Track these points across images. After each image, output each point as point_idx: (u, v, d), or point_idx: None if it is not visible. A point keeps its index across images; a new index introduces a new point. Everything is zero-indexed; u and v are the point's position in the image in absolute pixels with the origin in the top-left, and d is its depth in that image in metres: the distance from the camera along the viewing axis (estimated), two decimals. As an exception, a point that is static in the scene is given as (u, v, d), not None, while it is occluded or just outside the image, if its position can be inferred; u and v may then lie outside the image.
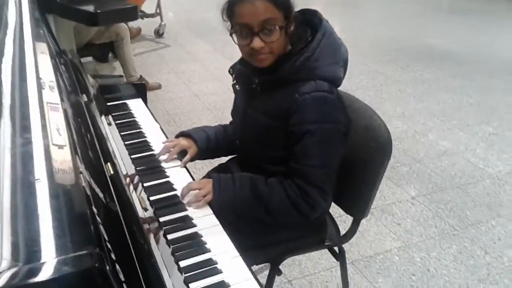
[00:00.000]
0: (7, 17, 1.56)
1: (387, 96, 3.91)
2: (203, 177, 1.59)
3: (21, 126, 0.80)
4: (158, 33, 5.32)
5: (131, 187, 1.10)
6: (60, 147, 0.79)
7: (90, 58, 4.27)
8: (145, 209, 1.05)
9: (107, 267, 0.50)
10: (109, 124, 1.38)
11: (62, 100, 0.98)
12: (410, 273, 1.99)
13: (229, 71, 1.42)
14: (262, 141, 1.31)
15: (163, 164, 1.39)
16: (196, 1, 7.26)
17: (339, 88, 1.29)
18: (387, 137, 1.40)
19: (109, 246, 0.57)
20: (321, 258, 2.05)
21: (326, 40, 1.22)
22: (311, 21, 1.27)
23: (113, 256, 0.57)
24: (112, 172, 0.94)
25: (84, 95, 1.34)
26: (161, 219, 1.13)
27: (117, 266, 0.56)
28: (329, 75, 1.23)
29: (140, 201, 1.03)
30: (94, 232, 0.55)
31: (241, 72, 1.36)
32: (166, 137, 1.57)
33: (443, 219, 2.35)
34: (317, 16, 1.27)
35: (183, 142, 1.44)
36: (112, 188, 0.89)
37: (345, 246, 1.53)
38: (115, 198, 0.86)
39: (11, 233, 0.53)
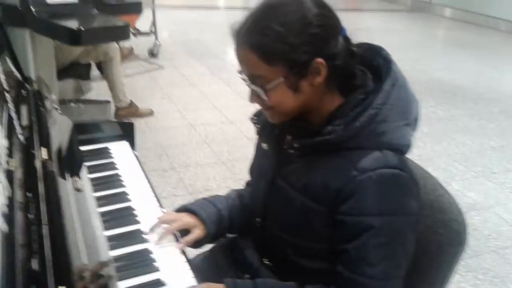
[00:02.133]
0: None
1: (401, 135, 3.55)
2: (207, 263, 1.18)
3: None
4: (152, 53, 4.95)
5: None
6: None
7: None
8: None
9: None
10: (78, 190, 0.98)
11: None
12: None
13: (251, 120, 1.03)
14: (295, 227, 0.92)
15: (152, 247, 1.00)
16: (192, 20, 6.92)
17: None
18: (461, 221, 1.03)
19: None
20: None
21: (397, 93, 0.85)
22: (373, 60, 0.90)
23: None
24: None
25: (44, 149, 0.94)
26: None
27: None
28: (398, 143, 0.86)
29: None
30: None
31: (269, 125, 0.97)
32: (159, 202, 1.17)
33: (484, 295, 1.96)
34: (383, 55, 0.90)
35: (187, 218, 1.04)
36: None
37: None
38: None
39: None
